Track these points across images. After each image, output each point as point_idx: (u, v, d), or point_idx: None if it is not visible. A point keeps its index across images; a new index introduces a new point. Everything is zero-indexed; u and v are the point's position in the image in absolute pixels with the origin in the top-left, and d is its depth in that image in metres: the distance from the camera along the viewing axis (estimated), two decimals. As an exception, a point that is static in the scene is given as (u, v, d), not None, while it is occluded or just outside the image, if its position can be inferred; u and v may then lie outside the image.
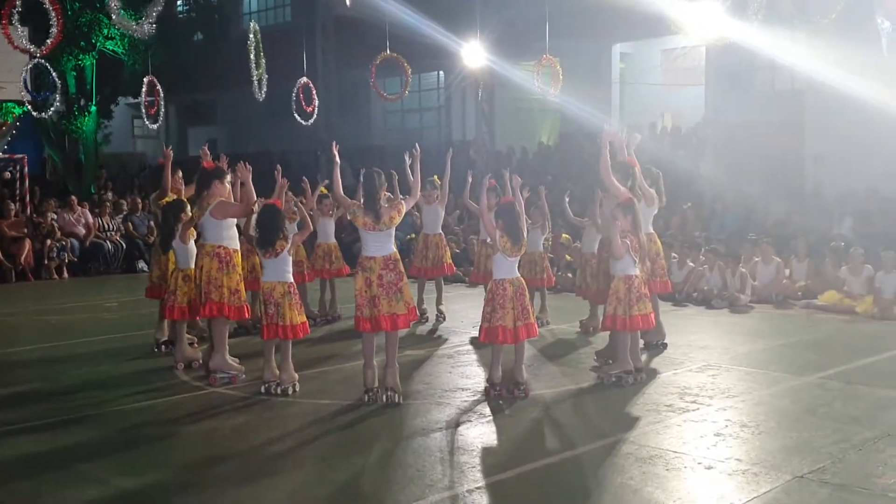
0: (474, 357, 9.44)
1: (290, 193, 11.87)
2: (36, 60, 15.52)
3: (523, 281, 7.62)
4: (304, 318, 7.73)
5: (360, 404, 7.35)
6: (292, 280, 7.71)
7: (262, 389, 7.73)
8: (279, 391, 7.68)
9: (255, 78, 14.79)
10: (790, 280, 13.36)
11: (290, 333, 7.58)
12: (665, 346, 9.48)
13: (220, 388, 8.01)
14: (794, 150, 18.16)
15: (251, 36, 14.89)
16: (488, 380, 7.70)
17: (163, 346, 9.66)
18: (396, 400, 7.38)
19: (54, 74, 16.48)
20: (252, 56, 14.77)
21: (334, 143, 7.98)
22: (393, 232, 7.50)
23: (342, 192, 7.70)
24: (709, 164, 20.06)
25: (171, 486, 5.59)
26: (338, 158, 7.72)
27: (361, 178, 7.65)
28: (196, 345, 9.53)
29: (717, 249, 13.70)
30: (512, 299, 7.40)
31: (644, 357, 8.75)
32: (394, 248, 7.51)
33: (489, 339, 7.50)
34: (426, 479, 5.58)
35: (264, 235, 7.60)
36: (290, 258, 7.70)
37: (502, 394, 7.53)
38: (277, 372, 7.78)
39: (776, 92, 19.71)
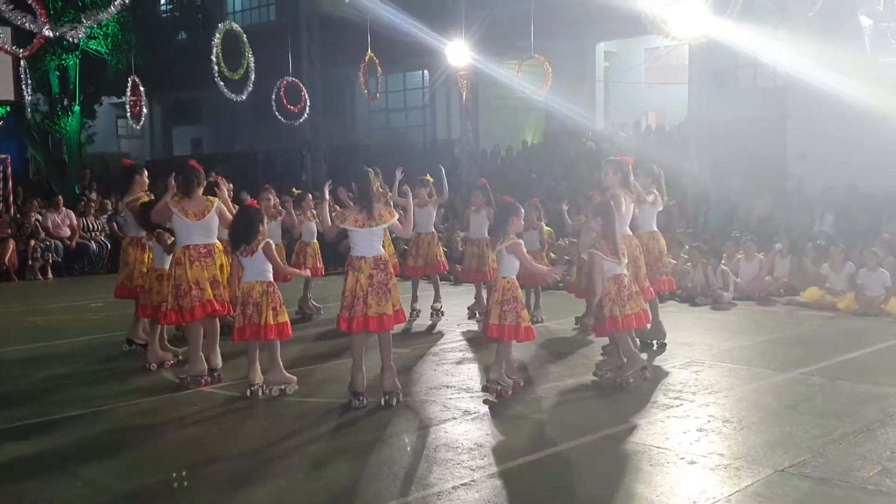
0: (460, 355, 9.49)
1: (273, 192, 11.94)
2: (21, 61, 15.51)
3: (499, 281, 7.49)
4: (286, 319, 7.60)
5: (345, 403, 7.36)
6: (272, 279, 7.63)
7: (248, 393, 7.64)
8: (268, 393, 7.62)
9: (217, 76, 14.56)
10: (773, 277, 13.45)
11: (265, 333, 7.48)
12: (664, 346, 9.48)
13: (205, 386, 8.04)
14: (777, 148, 18.28)
15: (217, 36, 14.70)
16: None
17: (134, 346, 9.69)
18: (394, 403, 7.32)
19: (28, 75, 16.45)
20: (215, 57, 14.57)
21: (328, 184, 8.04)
22: (382, 232, 7.39)
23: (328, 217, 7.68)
24: (693, 161, 20.17)
25: (157, 485, 5.59)
26: (326, 195, 7.76)
27: (354, 177, 7.58)
28: None
29: (700, 247, 13.79)
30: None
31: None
32: (382, 250, 7.42)
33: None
34: (412, 476, 5.62)
35: (240, 234, 7.58)
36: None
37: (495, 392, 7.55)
38: (261, 375, 7.72)
39: (759, 89, 19.84)
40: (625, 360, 7.95)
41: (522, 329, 7.38)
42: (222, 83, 14.74)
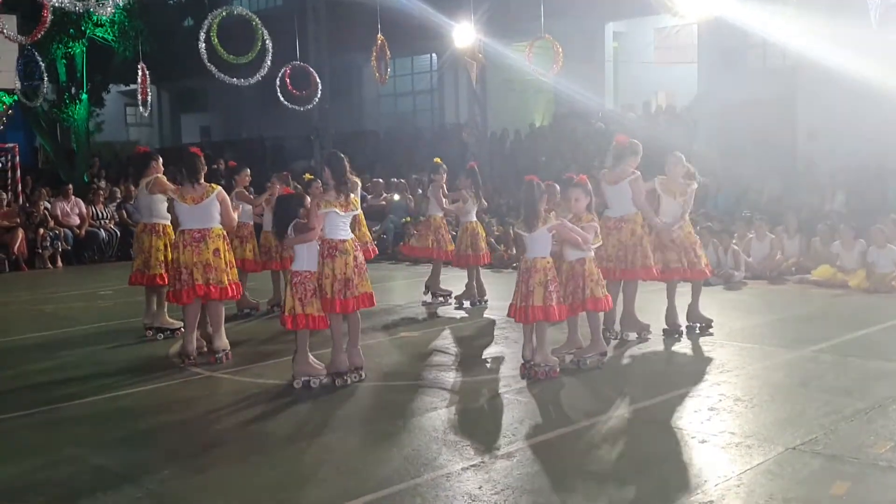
0: (471, 337, 9.48)
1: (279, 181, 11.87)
2: (26, 50, 15.48)
3: (539, 262, 7.39)
4: (303, 310, 7.26)
5: (350, 386, 7.37)
6: (296, 269, 7.35)
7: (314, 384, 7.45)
8: (296, 385, 7.42)
9: (206, 60, 14.34)
10: (784, 256, 13.39)
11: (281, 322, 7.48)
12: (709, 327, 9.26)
13: (215, 372, 8.05)
14: (787, 127, 18.18)
15: (209, 20, 14.47)
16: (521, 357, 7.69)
17: (151, 332, 9.71)
18: (363, 377, 7.50)
19: (40, 60, 16.40)
20: (204, 42, 14.37)
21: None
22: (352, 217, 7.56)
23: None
24: (702, 142, 20.06)
25: (164, 468, 5.60)
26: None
27: (326, 161, 7.54)
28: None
29: (710, 227, 13.73)
30: (521, 278, 7.43)
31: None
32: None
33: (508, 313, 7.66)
34: (421, 457, 5.61)
35: (280, 224, 7.52)
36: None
37: (527, 373, 7.51)
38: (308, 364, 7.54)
39: (768, 69, 19.69)
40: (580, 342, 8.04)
41: (566, 308, 7.49)
42: (214, 67, 14.53)
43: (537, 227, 7.35)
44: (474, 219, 11.28)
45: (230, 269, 8.36)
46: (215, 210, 8.21)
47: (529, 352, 7.57)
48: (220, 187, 8.37)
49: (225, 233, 8.41)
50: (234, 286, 8.37)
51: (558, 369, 7.54)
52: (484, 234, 11.45)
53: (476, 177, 11.30)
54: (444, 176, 11.39)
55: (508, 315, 7.62)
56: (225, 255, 8.30)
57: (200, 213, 8.18)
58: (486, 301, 11.32)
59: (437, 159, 11.70)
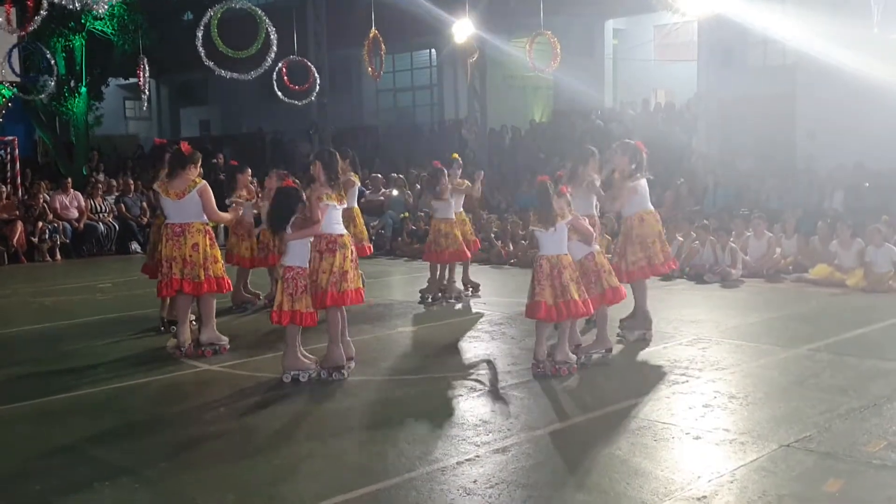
0: (468, 333, 9.49)
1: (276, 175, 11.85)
2: (24, 42, 15.47)
3: (564, 258, 7.35)
4: (299, 307, 7.28)
5: (347, 380, 7.39)
6: (289, 264, 7.33)
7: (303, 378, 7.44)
8: (285, 379, 7.41)
9: (204, 57, 14.29)
10: (781, 254, 13.40)
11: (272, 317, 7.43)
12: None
13: (213, 365, 8.06)
14: (786, 125, 18.18)
15: (208, 15, 14.42)
16: (534, 356, 7.54)
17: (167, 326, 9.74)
18: (352, 367, 7.59)
19: (49, 55, 16.40)
20: (201, 39, 14.31)
21: None
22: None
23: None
24: (701, 139, 20.07)
25: (161, 459, 5.62)
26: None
27: (318, 157, 7.52)
28: None
29: (706, 225, 13.73)
30: (549, 276, 7.29)
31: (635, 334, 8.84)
32: None
33: (529, 314, 7.47)
34: (416, 451, 5.63)
35: (279, 217, 7.44)
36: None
37: (544, 371, 7.42)
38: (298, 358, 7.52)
39: (768, 67, 19.69)
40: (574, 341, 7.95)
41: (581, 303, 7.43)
42: (213, 64, 14.51)
43: (556, 221, 7.28)
44: (451, 217, 11.15)
45: (213, 264, 8.30)
46: (195, 205, 8.20)
47: (542, 351, 7.47)
48: (203, 181, 8.28)
49: (209, 228, 8.39)
50: (212, 281, 8.28)
51: (576, 367, 7.53)
52: (456, 234, 11.09)
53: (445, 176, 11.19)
54: (460, 171, 11.36)
55: (536, 317, 7.34)
56: (205, 251, 8.25)
57: (182, 207, 8.20)
58: (453, 299, 11.25)
59: (455, 154, 11.63)
